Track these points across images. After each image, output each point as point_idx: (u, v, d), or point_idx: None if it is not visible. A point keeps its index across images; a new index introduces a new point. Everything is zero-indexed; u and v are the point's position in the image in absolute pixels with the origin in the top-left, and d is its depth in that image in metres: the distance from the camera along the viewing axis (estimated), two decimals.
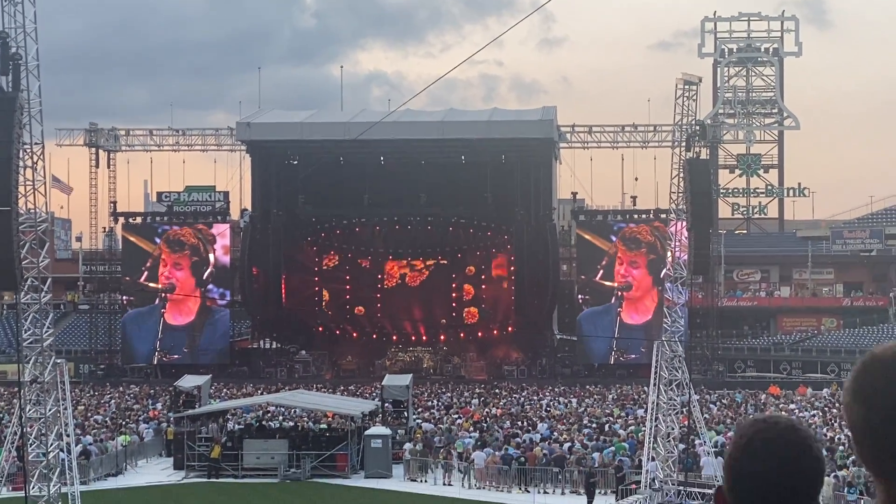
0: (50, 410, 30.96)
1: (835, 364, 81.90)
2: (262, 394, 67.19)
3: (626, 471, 42.11)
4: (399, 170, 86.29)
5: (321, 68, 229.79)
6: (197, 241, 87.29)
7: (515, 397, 68.93)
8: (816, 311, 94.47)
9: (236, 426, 52.85)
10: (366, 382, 76.13)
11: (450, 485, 45.29)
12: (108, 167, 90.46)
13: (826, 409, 60.53)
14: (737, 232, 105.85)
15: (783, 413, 55.80)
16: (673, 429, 38.79)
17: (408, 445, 47.93)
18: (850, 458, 40.09)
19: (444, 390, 73.97)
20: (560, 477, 43.72)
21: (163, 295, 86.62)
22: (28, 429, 31.11)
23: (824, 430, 50.07)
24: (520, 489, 43.59)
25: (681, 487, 38.78)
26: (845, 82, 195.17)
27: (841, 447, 43.74)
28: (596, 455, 44.22)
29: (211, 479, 46.76)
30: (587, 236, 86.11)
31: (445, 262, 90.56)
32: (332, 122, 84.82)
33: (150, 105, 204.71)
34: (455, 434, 50.38)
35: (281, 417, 56.33)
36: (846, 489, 36.15)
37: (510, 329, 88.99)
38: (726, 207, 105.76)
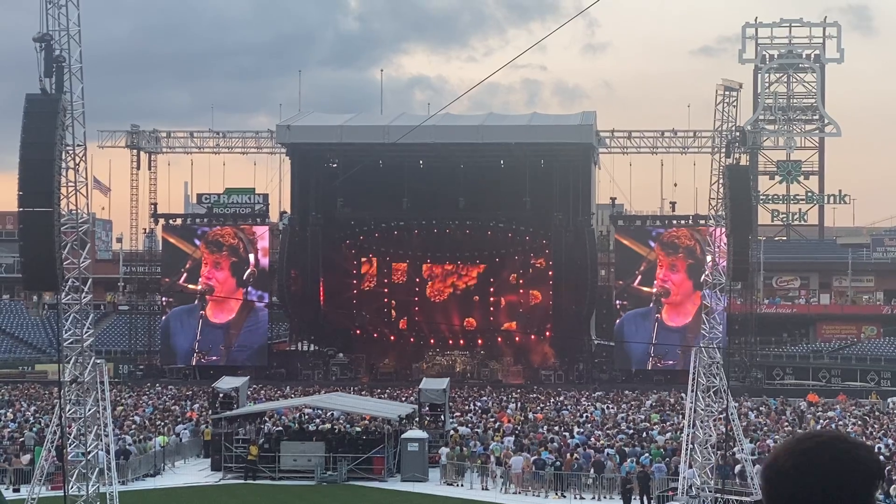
0: (89, 410, 31.18)
1: (874, 372, 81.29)
2: (299, 396, 67.44)
3: (661, 477, 42.00)
4: (438, 173, 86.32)
5: (363, 72, 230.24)
6: (237, 242, 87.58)
7: (553, 402, 68.80)
8: (856, 318, 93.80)
9: (273, 428, 53.00)
10: (403, 386, 76.21)
11: (486, 489, 45.33)
12: (149, 169, 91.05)
13: (866, 417, 60.04)
14: (776, 238, 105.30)
15: (822, 420, 55.44)
16: (711, 436, 38.64)
17: (444, 449, 47.95)
18: (888, 469, 39.85)
19: (481, 394, 73.92)
20: (596, 482, 43.70)
21: (202, 297, 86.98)
22: (67, 428, 31.35)
23: (863, 439, 49.78)
24: (556, 494, 43.58)
25: (717, 494, 38.64)
26: (888, 89, 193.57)
27: (881, 457, 43.46)
28: (632, 461, 44.15)
29: (248, 481, 47.01)
30: (625, 241, 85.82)
31: (483, 265, 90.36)
32: (372, 125, 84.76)
33: (192, 107, 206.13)
34: (492, 438, 50.40)
35: (318, 420, 56.44)
36: (884, 498, 35.91)
37: (548, 334, 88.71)
38: (766, 214, 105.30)
